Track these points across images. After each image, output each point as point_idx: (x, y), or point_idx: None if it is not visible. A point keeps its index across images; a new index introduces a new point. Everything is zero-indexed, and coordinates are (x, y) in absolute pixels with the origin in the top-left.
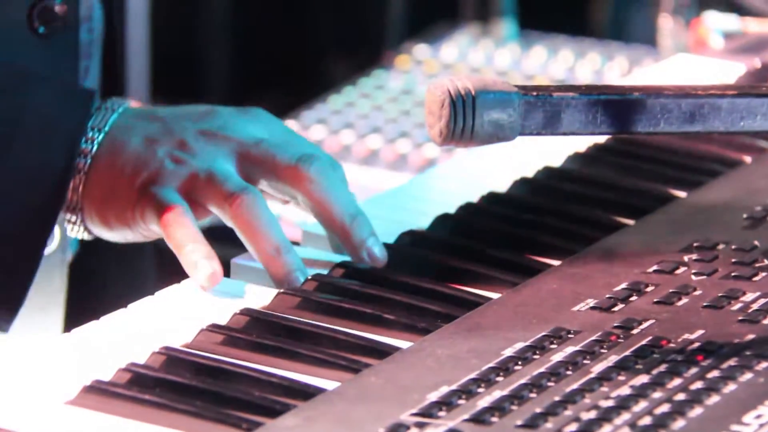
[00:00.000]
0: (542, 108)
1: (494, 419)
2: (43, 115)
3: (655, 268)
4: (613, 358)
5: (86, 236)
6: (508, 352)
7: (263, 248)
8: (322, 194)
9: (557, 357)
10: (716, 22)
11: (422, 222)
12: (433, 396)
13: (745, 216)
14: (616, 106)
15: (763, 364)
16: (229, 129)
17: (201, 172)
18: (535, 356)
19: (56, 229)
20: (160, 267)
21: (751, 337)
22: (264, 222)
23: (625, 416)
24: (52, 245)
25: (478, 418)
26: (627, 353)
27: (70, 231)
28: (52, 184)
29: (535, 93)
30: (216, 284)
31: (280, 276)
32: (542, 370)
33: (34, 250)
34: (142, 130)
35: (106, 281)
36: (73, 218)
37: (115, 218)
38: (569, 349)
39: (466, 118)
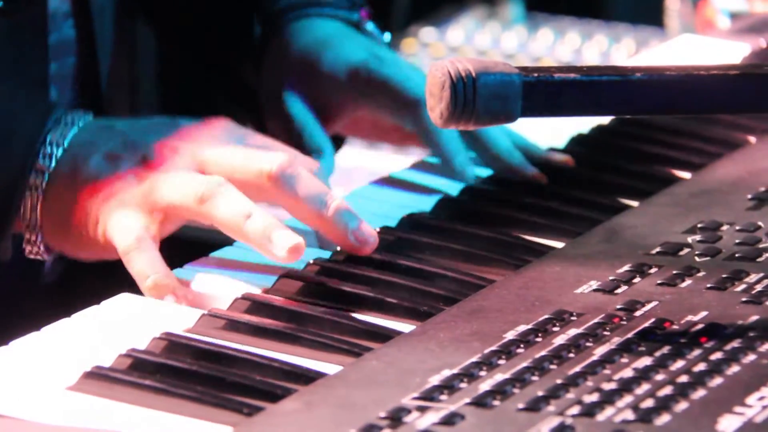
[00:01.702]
0: (543, 89)
1: (496, 402)
2: (1, 118)
3: (658, 249)
4: (615, 341)
5: (45, 257)
6: (511, 334)
7: (227, 212)
8: (289, 197)
9: (560, 340)
10: (723, 2)
11: (424, 205)
12: (435, 379)
13: (749, 197)
14: (618, 87)
15: (767, 346)
16: (192, 141)
17: (165, 179)
18: (538, 339)
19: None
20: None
21: (754, 318)
22: (222, 198)
23: (628, 399)
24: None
25: (479, 402)
26: (630, 335)
27: (28, 252)
28: (2, 200)
29: (536, 74)
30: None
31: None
32: (544, 352)
33: None
34: (103, 145)
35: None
36: (33, 238)
37: (77, 237)
38: (572, 332)
39: (466, 100)
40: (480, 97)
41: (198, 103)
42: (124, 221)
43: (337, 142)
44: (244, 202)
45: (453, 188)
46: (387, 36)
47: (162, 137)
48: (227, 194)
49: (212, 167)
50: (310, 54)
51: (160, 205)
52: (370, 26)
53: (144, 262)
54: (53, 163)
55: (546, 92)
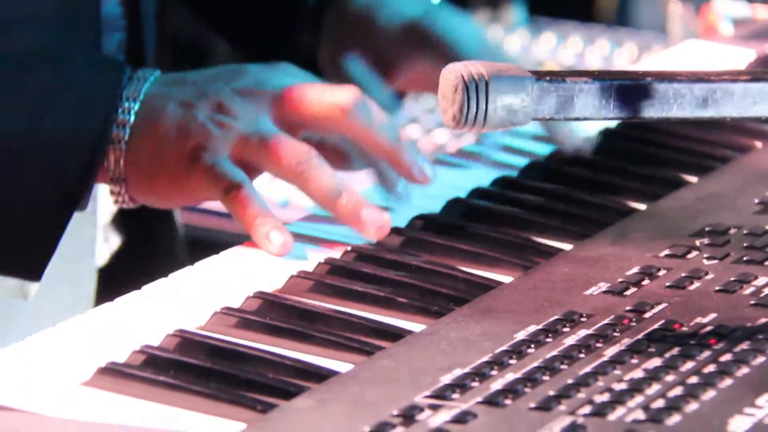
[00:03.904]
0: (555, 93)
1: (507, 402)
2: (77, 85)
3: (666, 252)
4: (625, 342)
5: (131, 205)
6: (521, 335)
7: (323, 187)
8: (363, 126)
9: (570, 340)
10: (725, 8)
11: (434, 206)
12: (447, 378)
13: (756, 201)
14: (629, 91)
15: None
16: (263, 84)
17: (250, 136)
18: (548, 339)
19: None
20: (191, 252)
21: (763, 321)
22: (319, 172)
23: (638, 399)
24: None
25: (491, 401)
26: (639, 337)
27: (114, 202)
28: (87, 152)
29: (548, 78)
30: (288, 252)
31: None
32: (555, 353)
33: (64, 216)
34: (177, 95)
35: (136, 263)
36: (117, 189)
37: (164, 186)
38: (582, 333)
39: (479, 103)
40: (492, 100)
41: None
42: (220, 170)
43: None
44: (335, 179)
45: (462, 190)
46: None
47: (233, 83)
48: (319, 169)
49: (287, 105)
50: (367, 14)
51: (253, 163)
52: None
53: (249, 210)
54: (132, 117)
55: (558, 96)
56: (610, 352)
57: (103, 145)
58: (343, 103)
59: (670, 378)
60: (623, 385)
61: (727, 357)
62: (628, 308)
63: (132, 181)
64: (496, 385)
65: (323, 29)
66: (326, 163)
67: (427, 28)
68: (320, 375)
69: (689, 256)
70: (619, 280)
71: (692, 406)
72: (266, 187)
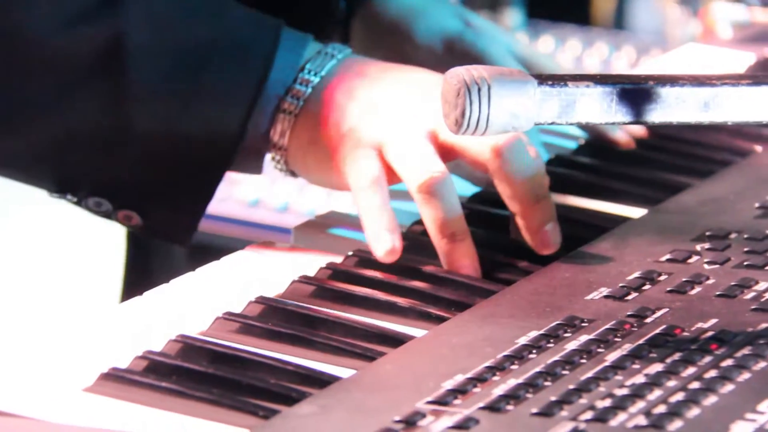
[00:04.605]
0: (557, 97)
1: (509, 407)
2: (235, 39)
3: (667, 257)
4: (627, 347)
5: (290, 176)
6: (523, 340)
7: (437, 217)
8: (510, 175)
9: (571, 345)
10: (724, 11)
11: None
12: (449, 384)
13: (756, 205)
14: (632, 95)
15: None
16: (428, 101)
17: (395, 139)
18: (549, 344)
19: None
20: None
21: (764, 326)
22: (446, 205)
23: (640, 404)
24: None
25: (493, 406)
26: (641, 342)
27: (274, 167)
28: (239, 111)
29: (550, 82)
30: (394, 259)
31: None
32: (557, 358)
33: (213, 175)
34: (348, 83)
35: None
36: (278, 157)
37: (316, 166)
38: (583, 338)
39: (481, 107)
40: (494, 104)
41: None
42: (358, 158)
43: None
44: (454, 215)
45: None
46: None
47: (407, 88)
48: (445, 198)
49: (441, 134)
50: (402, 23)
51: (390, 165)
52: None
53: (369, 199)
54: (309, 90)
55: (560, 100)
56: (612, 357)
57: (253, 108)
58: (498, 143)
59: (671, 383)
60: (625, 391)
61: (728, 362)
62: (629, 313)
63: (291, 151)
64: (498, 390)
65: (352, 35)
66: (454, 191)
67: (469, 44)
68: (322, 381)
69: (690, 260)
70: (620, 285)
71: (694, 412)
72: (266, 190)
